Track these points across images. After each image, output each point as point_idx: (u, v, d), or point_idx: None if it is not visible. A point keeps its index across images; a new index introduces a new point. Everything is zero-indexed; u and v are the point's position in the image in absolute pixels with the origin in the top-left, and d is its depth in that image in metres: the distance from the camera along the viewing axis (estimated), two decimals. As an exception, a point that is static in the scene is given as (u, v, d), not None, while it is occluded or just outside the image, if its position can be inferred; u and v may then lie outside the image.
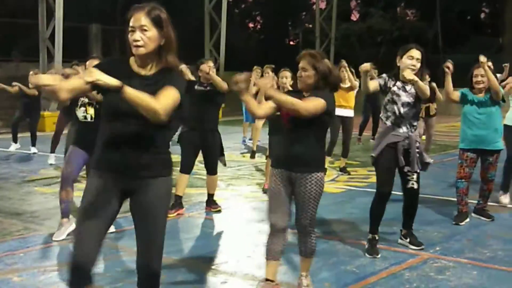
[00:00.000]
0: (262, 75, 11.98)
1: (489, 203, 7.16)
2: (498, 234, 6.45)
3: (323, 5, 31.92)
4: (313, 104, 4.26)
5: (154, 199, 3.32)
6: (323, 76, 4.41)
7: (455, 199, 6.98)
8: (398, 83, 5.65)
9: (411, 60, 5.54)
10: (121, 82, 2.96)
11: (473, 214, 7.06)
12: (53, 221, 6.78)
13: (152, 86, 3.22)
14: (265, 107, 4.46)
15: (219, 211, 7.39)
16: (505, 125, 7.43)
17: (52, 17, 18.32)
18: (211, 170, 7.37)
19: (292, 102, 4.22)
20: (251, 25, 44.30)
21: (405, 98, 5.60)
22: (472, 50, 27.53)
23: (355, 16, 40.05)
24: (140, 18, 3.22)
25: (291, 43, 42.48)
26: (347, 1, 37.59)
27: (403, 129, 5.60)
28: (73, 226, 5.75)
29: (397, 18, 35.61)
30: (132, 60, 3.35)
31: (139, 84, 3.21)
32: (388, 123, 5.66)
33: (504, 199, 7.81)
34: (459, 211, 6.91)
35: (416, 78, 5.46)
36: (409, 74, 5.45)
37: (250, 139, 13.50)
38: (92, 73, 2.94)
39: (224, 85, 7.05)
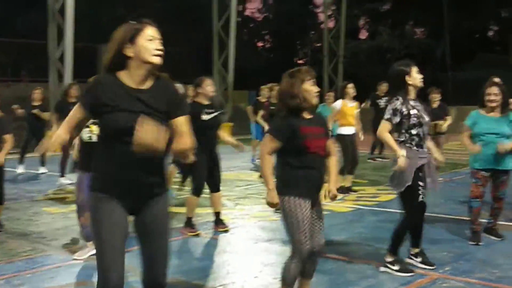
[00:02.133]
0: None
1: (498, 222, 7.07)
2: (509, 253, 6.36)
3: (331, 24, 32.05)
4: None
5: (161, 215, 3.35)
6: None
7: (465, 218, 6.90)
8: (412, 103, 5.57)
9: (419, 73, 5.56)
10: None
11: (483, 233, 6.97)
12: (60, 242, 6.77)
13: (153, 99, 3.24)
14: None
15: (227, 230, 7.35)
16: None
17: (61, 37, 18.35)
18: (216, 187, 7.36)
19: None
20: (260, 44, 44.55)
21: (426, 117, 5.63)
22: (480, 67, 27.55)
23: (363, 35, 40.22)
24: (157, 32, 3.28)
25: (300, 61, 42.64)
26: (356, 20, 37.71)
27: (425, 149, 5.64)
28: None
29: (406, 36, 35.67)
30: (122, 75, 3.26)
31: (141, 98, 3.21)
32: (414, 146, 5.58)
33: None
34: (473, 231, 6.77)
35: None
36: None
37: (258, 158, 13.42)
38: None
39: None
